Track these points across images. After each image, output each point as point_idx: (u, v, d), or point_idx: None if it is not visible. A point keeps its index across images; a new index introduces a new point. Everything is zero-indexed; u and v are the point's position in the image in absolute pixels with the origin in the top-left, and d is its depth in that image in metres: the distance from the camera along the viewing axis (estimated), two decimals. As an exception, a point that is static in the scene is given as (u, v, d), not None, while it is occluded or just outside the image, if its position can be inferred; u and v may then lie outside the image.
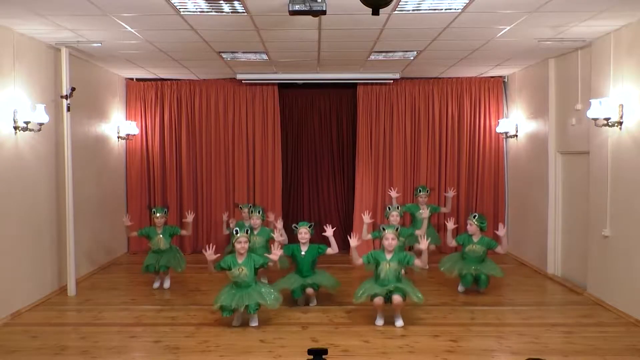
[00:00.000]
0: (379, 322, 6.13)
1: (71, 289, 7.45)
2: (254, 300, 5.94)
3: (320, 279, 6.88)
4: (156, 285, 7.79)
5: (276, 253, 6.22)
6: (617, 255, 6.56)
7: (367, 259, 6.20)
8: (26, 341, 5.66)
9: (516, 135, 9.75)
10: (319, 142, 10.89)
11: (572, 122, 7.83)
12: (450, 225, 7.57)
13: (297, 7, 4.87)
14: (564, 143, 8.18)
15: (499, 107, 10.31)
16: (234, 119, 10.39)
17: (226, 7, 5.65)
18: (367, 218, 7.53)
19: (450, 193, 9.36)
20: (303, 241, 6.81)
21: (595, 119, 6.63)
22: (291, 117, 10.92)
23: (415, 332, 5.86)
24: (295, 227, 6.94)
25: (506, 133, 10.05)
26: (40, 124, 6.79)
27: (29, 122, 6.52)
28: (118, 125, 9.89)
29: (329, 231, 6.75)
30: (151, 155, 10.42)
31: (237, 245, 6.04)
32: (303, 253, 6.80)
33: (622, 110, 6.39)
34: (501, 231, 7.22)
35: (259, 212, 8.03)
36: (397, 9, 5.72)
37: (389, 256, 6.11)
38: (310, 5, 4.85)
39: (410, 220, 9.36)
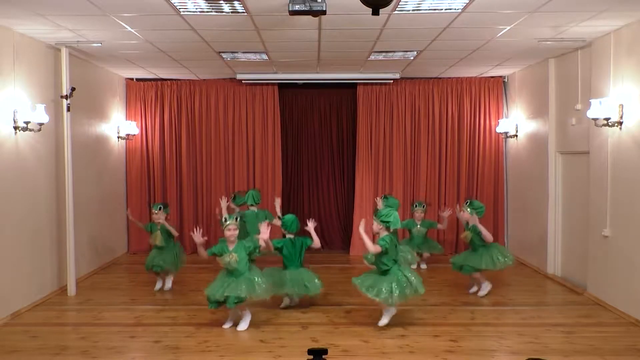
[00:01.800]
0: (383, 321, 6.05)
1: (71, 289, 7.45)
2: (237, 292, 5.80)
3: (303, 281, 6.66)
4: (158, 286, 7.76)
5: (265, 232, 6.11)
6: (617, 255, 6.56)
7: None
8: (26, 341, 5.66)
9: (516, 135, 9.75)
10: (319, 142, 10.90)
11: (572, 122, 7.82)
12: (446, 214, 8.44)
13: (297, 7, 4.87)
14: (564, 143, 8.18)
15: (499, 107, 10.31)
16: (234, 119, 10.40)
17: (226, 7, 5.65)
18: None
19: (447, 212, 8.83)
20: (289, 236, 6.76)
21: (595, 119, 6.63)
22: (291, 117, 10.92)
23: (415, 332, 5.86)
24: (279, 217, 6.96)
25: (506, 133, 10.05)
26: (40, 124, 6.79)
27: (29, 122, 6.51)
28: (118, 125, 9.90)
29: (310, 225, 6.68)
30: (151, 155, 10.42)
31: (227, 233, 6.00)
32: (294, 243, 6.69)
33: (622, 110, 6.39)
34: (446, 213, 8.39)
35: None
36: (397, 9, 5.72)
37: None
38: (310, 5, 4.85)
39: (406, 236, 9.23)
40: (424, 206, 9.04)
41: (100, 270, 8.94)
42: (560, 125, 8.28)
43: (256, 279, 6.01)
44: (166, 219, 7.79)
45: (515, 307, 6.85)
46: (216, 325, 6.11)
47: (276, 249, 6.64)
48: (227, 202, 8.32)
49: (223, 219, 6.09)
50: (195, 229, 6.03)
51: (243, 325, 6.01)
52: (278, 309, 6.67)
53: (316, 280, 6.66)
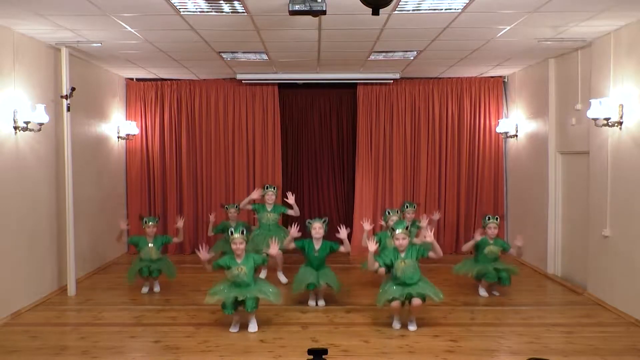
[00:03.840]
0: (396, 325, 6.00)
1: (71, 289, 7.45)
2: (253, 295, 5.84)
3: (329, 278, 6.84)
4: (145, 290, 7.62)
5: (274, 247, 6.22)
6: (617, 255, 6.56)
7: (383, 260, 5.97)
8: (26, 341, 5.65)
9: (516, 135, 9.75)
10: (319, 142, 10.89)
11: (572, 122, 7.83)
12: (477, 235, 7.35)
13: (297, 7, 4.87)
14: (564, 143, 8.18)
15: (499, 107, 10.31)
16: (234, 119, 10.40)
17: (226, 7, 5.65)
18: (367, 225, 7.05)
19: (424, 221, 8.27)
20: (317, 236, 6.78)
21: (595, 119, 6.63)
22: (291, 117, 10.91)
23: (415, 332, 5.86)
24: (309, 222, 6.91)
25: (506, 133, 10.05)
26: (40, 124, 6.79)
27: (29, 122, 6.51)
28: (118, 125, 9.90)
29: (343, 233, 6.71)
30: (151, 155, 10.42)
31: (233, 247, 5.89)
32: (316, 252, 6.76)
33: (622, 110, 6.39)
34: (519, 241, 7.28)
35: (273, 189, 8.25)
36: (397, 9, 5.72)
37: (402, 255, 5.93)
38: (310, 5, 4.85)
39: None
40: (414, 206, 8.62)
41: (100, 270, 8.94)
42: (560, 125, 8.28)
43: (264, 287, 6.03)
44: (157, 231, 7.71)
45: (515, 307, 6.85)
46: (216, 325, 6.11)
47: (299, 248, 6.86)
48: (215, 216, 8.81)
49: (229, 232, 5.97)
50: (200, 247, 6.03)
51: (254, 326, 5.94)
52: (278, 309, 6.66)
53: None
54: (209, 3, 5.51)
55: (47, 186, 7.33)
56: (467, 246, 7.57)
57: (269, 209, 8.27)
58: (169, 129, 10.38)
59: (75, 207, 7.53)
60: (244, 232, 5.98)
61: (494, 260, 7.33)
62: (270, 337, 5.72)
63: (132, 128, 10.12)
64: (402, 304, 5.93)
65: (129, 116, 10.35)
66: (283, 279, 8.03)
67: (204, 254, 5.96)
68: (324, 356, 3.25)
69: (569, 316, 6.46)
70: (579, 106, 7.54)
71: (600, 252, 6.93)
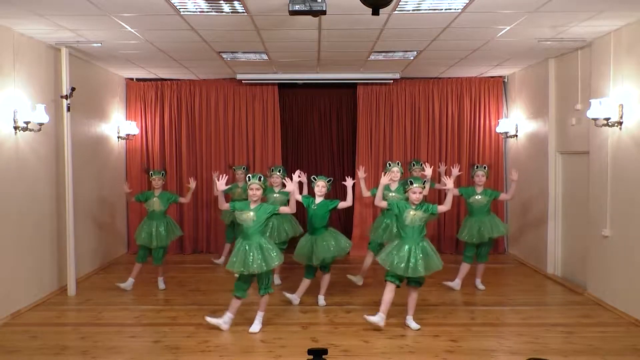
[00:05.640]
0: (414, 324, 6.02)
1: (71, 289, 7.45)
2: (261, 267, 5.74)
3: (328, 240, 6.76)
4: (162, 285, 7.72)
5: (291, 184, 6.05)
6: (617, 255, 6.56)
7: (391, 205, 6.03)
8: (26, 341, 5.66)
9: (516, 135, 9.75)
10: (319, 142, 10.91)
11: (572, 122, 7.83)
12: (455, 171, 7.62)
13: (297, 7, 4.87)
14: (564, 143, 8.18)
15: (499, 107, 10.31)
16: (234, 119, 10.40)
17: (226, 7, 5.65)
18: (361, 173, 7.41)
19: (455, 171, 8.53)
20: (319, 194, 6.77)
21: (595, 119, 6.63)
22: (291, 117, 10.93)
23: (415, 332, 5.87)
24: (314, 178, 6.89)
25: (506, 133, 10.05)
26: (40, 124, 6.79)
27: (29, 122, 6.51)
28: (118, 125, 9.90)
29: (349, 182, 6.82)
30: (151, 156, 10.42)
31: (250, 192, 5.89)
32: (315, 205, 6.76)
33: (622, 110, 6.39)
34: (514, 176, 7.33)
35: (279, 171, 7.94)
36: (397, 9, 5.72)
37: (414, 207, 5.98)
38: (310, 5, 4.85)
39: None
40: (421, 164, 8.50)
41: (100, 270, 8.93)
42: (560, 125, 8.28)
43: (267, 245, 5.90)
44: (164, 187, 7.78)
45: (515, 307, 6.85)
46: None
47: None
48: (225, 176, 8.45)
49: (247, 178, 6.00)
50: (220, 176, 6.07)
51: (256, 327, 5.93)
52: (278, 309, 6.66)
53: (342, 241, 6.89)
54: (209, 3, 5.51)
55: (47, 186, 7.32)
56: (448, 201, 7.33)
57: (276, 191, 7.92)
58: (169, 129, 10.38)
59: (75, 207, 7.53)
60: (262, 179, 5.93)
61: (484, 211, 7.38)
62: (270, 337, 5.72)
63: (132, 128, 10.12)
64: (398, 286, 5.98)
65: (129, 116, 10.35)
66: (277, 280, 7.96)
67: (221, 183, 5.94)
68: (324, 356, 3.25)
69: (569, 316, 6.46)
70: (579, 106, 7.54)
71: (600, 252, 6.93)
